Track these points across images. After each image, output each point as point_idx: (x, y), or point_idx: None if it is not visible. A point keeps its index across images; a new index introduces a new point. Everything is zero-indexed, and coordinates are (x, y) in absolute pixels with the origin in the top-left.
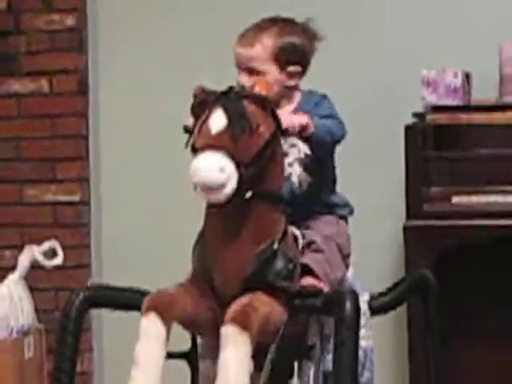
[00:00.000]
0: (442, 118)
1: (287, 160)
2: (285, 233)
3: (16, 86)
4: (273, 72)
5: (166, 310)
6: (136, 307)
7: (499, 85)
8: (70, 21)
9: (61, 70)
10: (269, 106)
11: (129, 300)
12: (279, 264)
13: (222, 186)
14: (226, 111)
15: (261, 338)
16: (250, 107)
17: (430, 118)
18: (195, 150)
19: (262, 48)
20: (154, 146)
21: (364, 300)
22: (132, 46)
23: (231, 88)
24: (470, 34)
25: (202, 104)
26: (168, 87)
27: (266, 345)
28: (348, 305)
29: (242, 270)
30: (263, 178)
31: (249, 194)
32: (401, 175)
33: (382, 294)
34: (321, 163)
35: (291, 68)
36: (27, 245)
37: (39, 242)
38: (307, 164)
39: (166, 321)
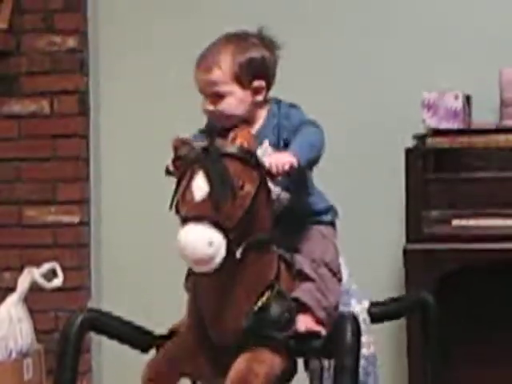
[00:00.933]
0: (442, 141)
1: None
2: (278, 270)
3: (17, 106)
4: (236, 92)
5: (164, 381)
6: (133, 345)
7: (499, 108)
8: (71, 42)
9: (61, 91)
10: (252, 159)
11: (128, 335)
12: (275, 312)
13: (211, 258)
14: (208, 175)
15: None
16: (232, 165)
17: (430, 140)
18: (181, 218)
19: (220, 71)
20: (154, 167)
21: (364, 307)
22: (133, 68)
23: (212, 143)
24: (471, 58)
25: (183, 159)
26: (168, 109)
27: None
28: (348, 343)
29: (238, 325)
30: (252, 229)
31: (239, 254)
32: (401, 198)
33: (381, 303)
34: (300, 178)
35: (255, 83)
36: (27, 266)
37: (39, 263)
38: (285, 183)
39: None
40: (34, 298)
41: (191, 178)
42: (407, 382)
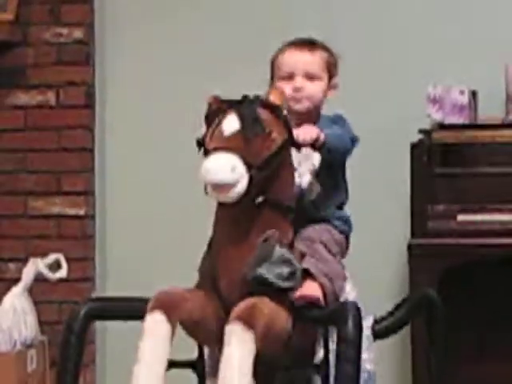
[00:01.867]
0: (447, 136)
1: (300, 169)
2: (291, 243)
3: (23, 98)
4: (324, 80)
5: (172, 310)
6: (139, 316)
7: (505, 103)
8: (77, 34)
9: (68, 83)
10: (282, 114)
11: (131, 309)
12: (279, 261)
13: (232, 184)
14: (240, 115)
15: (265, 342)
16: (263, 114)
17: (435, 135)
18: (207, 154)
19: (320, 57)
20: (160, 159)
21: (367, 325)
22: (139, 59)
23: (245, 96)
24: (477, 53)
25: (216, 112)
26: (174, 101)
27: (270, 359)
28: (350, 322)
29: (245, 276)
30: (274, 186)
31: (260, 199)
32: (406, 192)
33: (384, 318)
34: (332, 176)
35: (334, 80)
36: (32, 257)
37: (43, 254)
38: (319, 175)
39: (172, 320)
40: (39, 289)
41: (223, 119)
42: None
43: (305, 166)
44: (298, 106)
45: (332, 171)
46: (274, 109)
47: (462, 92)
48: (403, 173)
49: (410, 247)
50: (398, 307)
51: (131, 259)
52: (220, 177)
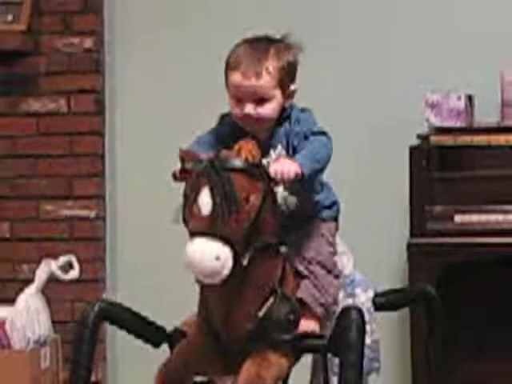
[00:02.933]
0: (445, 140)
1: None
2: (283, 272)
3: (35, 105)
4: (278, 96)
5: (177, 381)
6: (146, 339)
7: (501, 108)
8: (87, 43)
9: (78, 90)
10: (257, 171)
11: (141, 330)
12: (279, 319)
13: (218, 273)
14: (214, 190)
15: None
16: (237, 179)
17: (433, 139)
18: (189, 231)
19: (269, 76)
20: (168, 163)
21: (369, 296)
22: (147, 67)
23: (217, 156)
24: (473, 59)
25: (189, 172)
26: (182, 107)
27: None
28: (353, 338)
29: (245, 327)
30: (258, 235)
31: (245, 262)
32: (405, 194)
33: (385, 293)
34: (309, 184)
35: (292, 87)
36: (44, 259)
37: (56, 256)
38: (294, 188)
39: None
40: (51, 289)
41: (197, 193)
42: (410, 369)
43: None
44: (253, 128)
45: (311, 184)
46: (248, 171)
47: (458, 97)
48: (402, 175)
49: (409, 246)
50: (398, 290)
51: (141, 260)
52: (205, 268)
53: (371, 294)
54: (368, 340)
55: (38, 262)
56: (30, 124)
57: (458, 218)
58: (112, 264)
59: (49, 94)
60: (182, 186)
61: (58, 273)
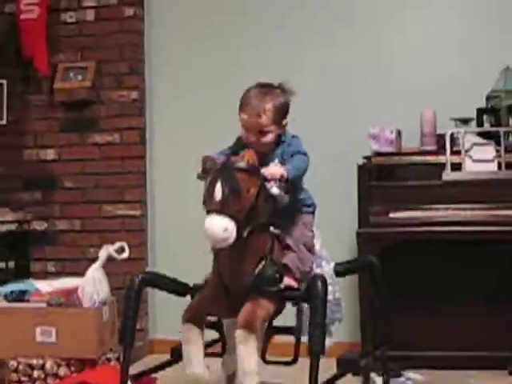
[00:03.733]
0: (382, 160)
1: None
2: (272, 244)
3: (98, 138)
4: (274, 130)
5: (198, 319)
6: (176, 292)
7: (420, 138)
8: (133, 95)
9: (127, 128)
10: (255, 170)
11: (172, 287)
12: (269, 274)
13: (225, 239)
14: (225, 183)
15: (262, 330)
16: (241, 176)
17: (374, 160)
18: (206, 210)
19: (266, 117)
20: (190, 177)
21: (331, 267)
22: (177, 113)
23: (228, 160)
24: (401, 104)
25: (207, 171)
26: (202, 138)
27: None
28: (319, 292)
29: (245, 281)
30: (255, 217)
31: (245, 234)
32: (354, 198)
33: (342, 263)
34: (296, 188)
35: (284, 122)
36: (104, 244)
37: (113, 242)
38: (284, 188)
39: (200, 325)
40: (110, 266)
41: (214, 185)
42: (359, 320)
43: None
44: (262, 148)
45: (295, 186)
46: (249, 170)
47: (391, 131)
48: (353, 185)
49: (358, 234)
50: (351, 261)
51: (171, 245)
52: (217, 237)
53: (332, 264)
54: (330, 296)
55: (100, 247)
56: (95, 151)
57: (391, 214)
58: (151, 248)
59: (107, 130)
60: (196, 191)
61: (114, 254)
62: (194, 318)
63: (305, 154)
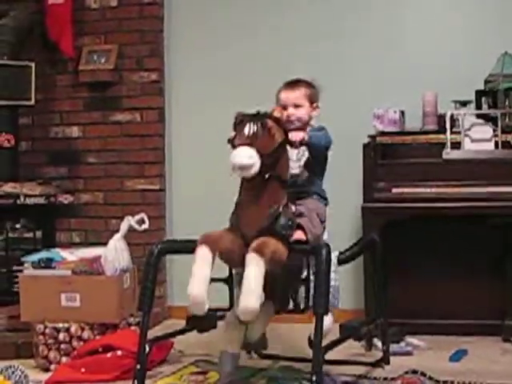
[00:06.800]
0: (386, 139)
1: (295, 163)
2: (287, 203)
3: (120, 117)
4: (307, 106)
5: (212, 244)
6: (193, 252)
7: (422, 118)
8: (153, 76)
9: (148, 107)
10: (281, 124)
11: (188, 248)
12: (283, 220)
13: (250, 166)
14: (255, 123)
15: (271, 264)
16: (269, 122)
17: (378, 139)
18: (234, 147)
19: (302, 93)
20: (210, 155)
21: (335, 255)
22: (193, 93)
23: (258, 112)
24: (405, 86)
25: (240, 122)
26: (220, 120)
27: (274, 275)
28: (324, 252)
29: (260, 224)
30: (276, 167)
31: (267, 175)
32: (360, 174)
33: (345, 251)
34: (317, 164)
35: (315, 104)
36: (126, 216)
37: (133, 214)
38: (307, 164)
39: (212, 250)
40: (131, 236)
41: (244, 124)
42: (363, 290)
43: (297, 162)
44: (292, 126)
45: (316, 161)
46: (276, 120)
47: (395, 112)
48: (359, 162)
49: (363, 209)
50: (353, 245)
51: (188, 217)
52: (242, 161)
53: (336, 253)
54: (333, 282)
55: (122, 218)
56: (116, 129)
57: (394, 190)
58: (169, 220)
59: (128, 109)
60: (216, 170)
61: (135, 225)
62: (208, 241)
63: (329, 138)
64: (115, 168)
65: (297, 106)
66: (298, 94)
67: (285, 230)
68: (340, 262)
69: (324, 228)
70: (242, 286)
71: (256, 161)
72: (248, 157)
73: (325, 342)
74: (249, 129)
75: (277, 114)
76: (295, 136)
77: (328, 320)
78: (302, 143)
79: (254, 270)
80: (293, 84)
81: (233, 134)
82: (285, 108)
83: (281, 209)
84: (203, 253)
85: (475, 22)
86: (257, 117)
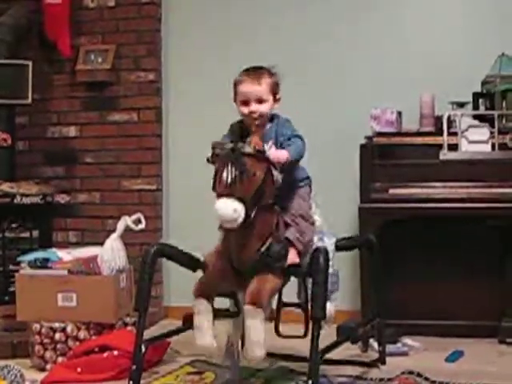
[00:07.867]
0: (383, 140)
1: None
2: (277, 222)
3: (117, 116)
4: (270, 100)
5: (208, 292)
6: (188, 267)
7: (419, 119)
8: (150, 76)
9: (145, 107)
10: (261, 155)
11: (185, 260)
12: (274, 252)
13: (235, 220)
14: (233, 167)
15: (269, 301)
16: (248, 160)
17: (375, 139)
18: (217, 194)
19: (266, 85)
20: (200, 157)
21: (332, 242)
22: (190, 94)
23: (236, 145)
24: (402, 87)
25: (217, 155)
26: (215, 117)
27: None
28: (321, 266)
29: (252, 258)
30: (262, 198)
31: (252, 215)
32: (357, 175)
33: (343, 239)
34: (292, 168)
35: (277, 96)
36: (122, 216)
37: (130, 214)
38: (283, 169)
39: (210, 299)
40: (127, 236)
41: (223, 169)
42: (360, 291)
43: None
44: (255, 122)
45: (293, 167)
46: (255, 155)
47: (392, 112)
48: (356, 163)
49: (360, 209)
50: (351, 237)
51: (185, 217)
52: (227, 218)
53: (334, 240)
54: (331, 269)
55: (118, 218)
56: (114, 129)
57: (391, 191)
58: (166, 220)
59: (125, 109)
60: (206, 169)
61: (132, 225)
62: (204, 293)
63: (302, 139)
64: (112, 168)
65: (260, 101)
66: (263, 88)
67: (278, 262)
68: (337, 249)
69: (313, 224)
70: (246, 338)
71: (240, 212)
72: (232, 211)
73: (325, 336)
74: (227, 174)
75: (255, 143)
76: (278, 158)
77: (329, 307)
78: (283, 165)
79: (254, 322)
80: (255, 75)
81: (209, 155)
82: (246, 102)
83: (270, 239)
84: (202, 306)
85: (474, 23)
86: (234, 155)
